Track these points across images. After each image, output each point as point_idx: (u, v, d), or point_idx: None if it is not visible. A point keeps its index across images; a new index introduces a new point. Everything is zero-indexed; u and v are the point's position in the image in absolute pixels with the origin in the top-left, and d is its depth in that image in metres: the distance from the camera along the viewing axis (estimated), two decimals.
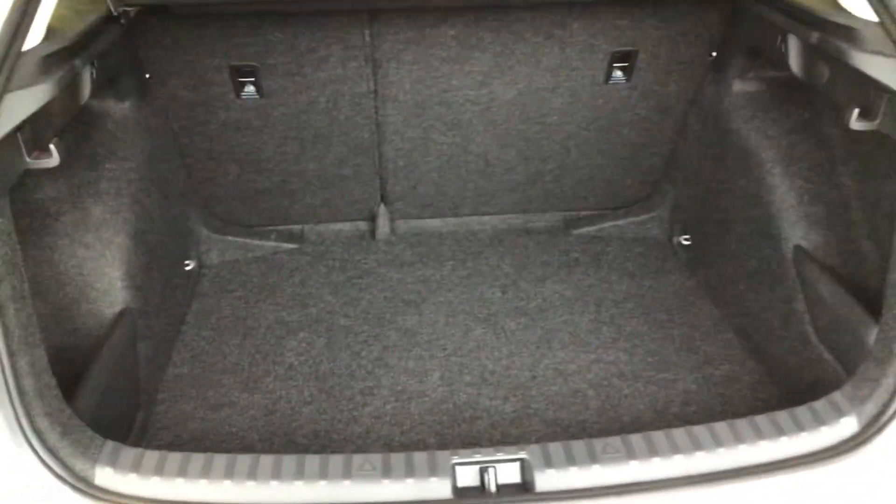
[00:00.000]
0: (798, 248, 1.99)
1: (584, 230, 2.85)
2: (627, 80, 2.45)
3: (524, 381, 2.14)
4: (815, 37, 1.76)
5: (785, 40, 1.95)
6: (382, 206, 2.78)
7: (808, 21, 1.82)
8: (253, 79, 2.35)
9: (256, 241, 2.71)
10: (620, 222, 2.84)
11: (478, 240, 2.82)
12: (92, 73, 1.83)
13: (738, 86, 2.32)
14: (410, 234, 2.83)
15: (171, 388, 2.12)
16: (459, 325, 2.36)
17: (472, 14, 2.25)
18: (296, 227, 2.82)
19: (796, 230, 2.00)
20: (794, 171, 2.07)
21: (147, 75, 2.27)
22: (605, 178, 2.77)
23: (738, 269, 2.28)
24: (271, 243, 2.73)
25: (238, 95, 2.37)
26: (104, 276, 1.92)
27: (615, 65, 2.42)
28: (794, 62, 1.93)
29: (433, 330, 2.34)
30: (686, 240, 2.68)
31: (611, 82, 2.46)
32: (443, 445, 1.94)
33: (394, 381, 2.14)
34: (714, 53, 2.40)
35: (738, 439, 1.42)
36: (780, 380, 2.07)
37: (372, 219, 2.81)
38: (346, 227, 2.83)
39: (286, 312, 2.42)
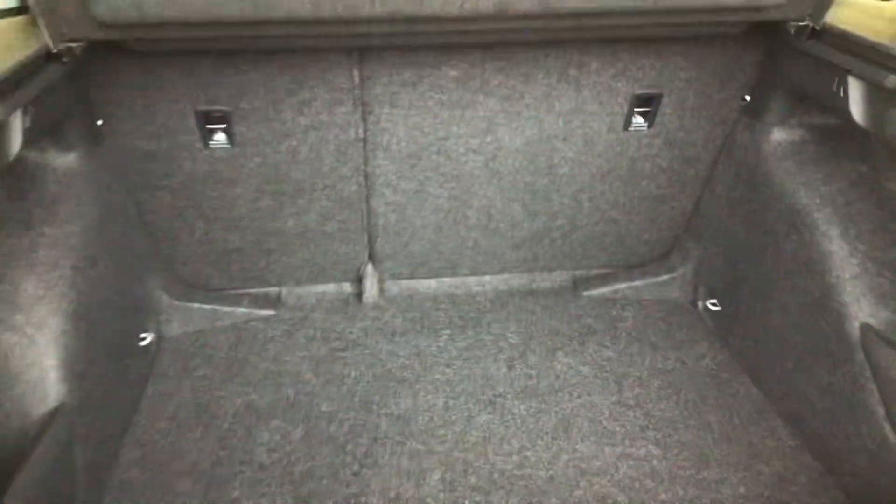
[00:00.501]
0: (866, 326, 1.69)
1: (597, 292, 2.54)
2: (649, 126, 2.17)
3: (541, 483, 1.81)
4: (892, 80, 1.48)
5: (844, 83, 1.67)
6: (370, 265, 2.46)
7: (880, 61, 1.54)
8: (223, 125, 2.03)
9: (226, 308, 2.37)
10: (637, 283, 2.54)
11: (477, 303, 2.50)
12: (25, 121, 1.51)
13: (779, 134, 2.04)
14: (401, 297, 2.51)
15: (118, 498, 1.76)
16: (461, 410, 2.03)
17: (478, 53, 1.96)
18: (272, 290, 2.48)
19: (862, 305, 1.71)
20: (853, 235, 1.78)
21: (98, 122, 1.95)
22: (620, 233, 2.48)
23: (785, 346, 1.97)
24: (243, 309, 2.39)
25: (206, 145, 2.05)
26: (34, 366, 1.57)
27: (636, 109, 2.14)
28: (858, 108, 1.65)
29: (430, 416, 2.01)
30: (714, 304, 2.38)
31: (631, 129, 2.17)
32: None
33: (385, 485, 1.80)
34: (748, 97, 2.12)
35: None
36: (847, 483, 1.76)
37: (359, 280, 2.49)
38: (329, 288, 2.50)
39: (257, 395, 2.08)
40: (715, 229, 2.36)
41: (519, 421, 1.99)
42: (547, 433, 1.96)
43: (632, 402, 2.07)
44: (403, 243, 2.39)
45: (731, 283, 2.29)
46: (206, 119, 2.00)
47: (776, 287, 2.01)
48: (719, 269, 2.35)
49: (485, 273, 2.55)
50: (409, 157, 2.16)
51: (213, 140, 2.05)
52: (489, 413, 2.02)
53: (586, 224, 2.43)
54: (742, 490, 1.78)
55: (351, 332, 2.34)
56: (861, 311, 1.70)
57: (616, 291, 2.54)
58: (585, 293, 2.54)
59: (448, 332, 2.35)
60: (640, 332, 2.37)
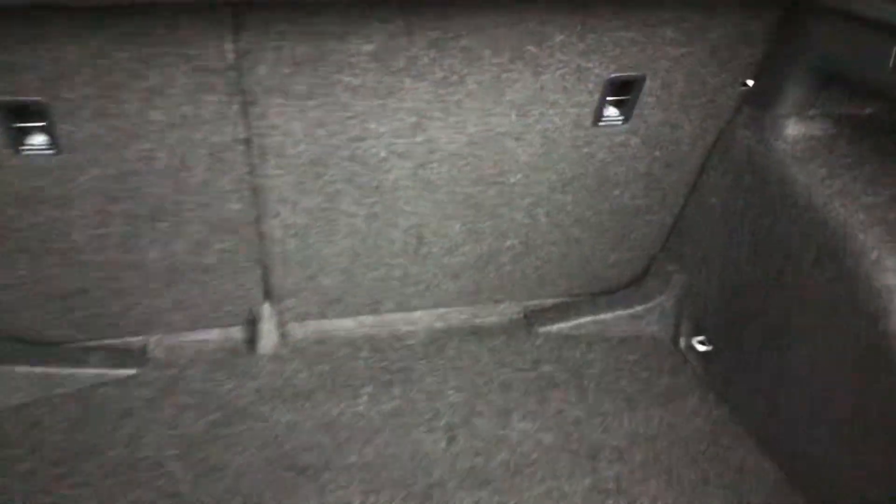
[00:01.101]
0: None
1: (555, 327, 2.04)
2: (625, 119, 1.67)
3: None
4: None
5: None
6: (267, 305, 1.88)
7: None
8: (42, 123, 1.42)
9: (67, 369, 1.76)
10: (604, 316, 2.04)
11: (407, 348, 1.96)
12: None
13: (797, 128, 1.58)
14: (309, 344, 1.94)
15: None
16: None
17: (400, 20, 1.41)
18: (134, 342, 1.88)
19: None
20: None
21: None
22: (584, 255, 1.98)
23: (813, 407, 1.50)
24: (92, 370, 1.78)
25: (17, 150, 1.44)
26: None
27: (609, 98, 1.63)
28: None
29: None
30: (702, 343, 1.91)
31: (601, 124, 1.67)
32: None
33: None
34: (750, 81, 1.65)
35: None
36: None
37: (251, 323, 1.91)
38: (212, 336, 1.92)
39: (98, 503, 1.48)
40: (704, 250, 1.88)
41: None
42: None
43: (612, 486, 1.56)
44: (309, 276, 1.83)
45: (726, 318, 1.81)
46: (12, 114, 1.39)
47: (799, 328, 1.54)
48: (710, 299, 1.87)
49: (415, 308, 2.01)
50: (312, 164, 1.60)
51: (25, 144, 1.44)
52: None
53: (543, 244, 1.91)
54: None
55: (239, 397, 1.76)
56: None
57: (579, 327, 2.04)
58: (542, 329, 2.03)
59: (369, 390, 1.80)
60: (612, 382, 1.87)
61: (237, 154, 1.54)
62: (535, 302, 2.09)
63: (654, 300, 2.01)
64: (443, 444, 1.65)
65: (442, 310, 2.04)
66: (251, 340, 1.91)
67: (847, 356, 1.39)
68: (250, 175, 1.58)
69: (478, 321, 2.05)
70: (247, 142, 1.53)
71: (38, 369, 1.72)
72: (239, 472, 1.56)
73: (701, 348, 1.91)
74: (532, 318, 2.06)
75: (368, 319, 1.99)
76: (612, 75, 1.57)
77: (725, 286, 1.80)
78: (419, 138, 1.60)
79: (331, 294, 1.89)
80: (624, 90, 1.62)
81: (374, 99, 1.51)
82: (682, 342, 1.99)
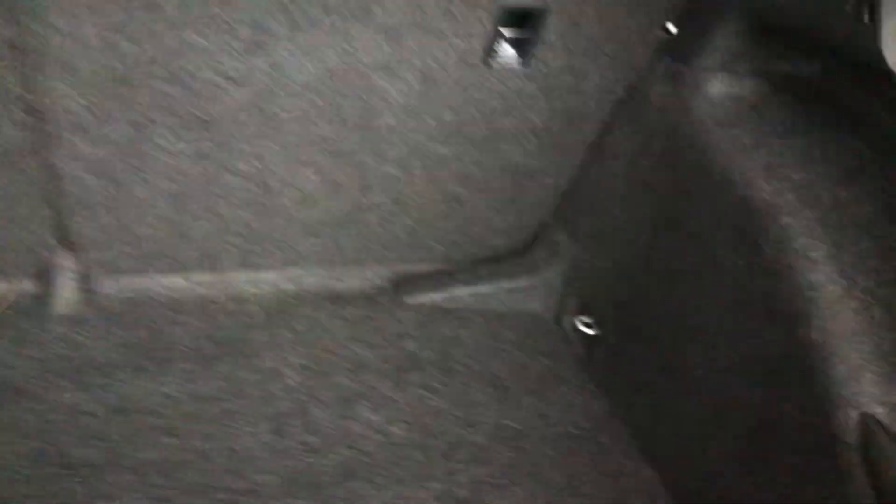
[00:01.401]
0: (867, 418, 1.00)
1: (427, 298, 1.75)
2: (523, 61, 1.37)
3: None
4: None
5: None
6: (64, 255, 1.50)
7: None
8: None
9: None
10: (483, 288, 1.78)
11: (246, 315, 1.63)
12: None
13: (723, 86, 1.33)
14: (121, 305, 1.58)
15: None
16: None
17: None
18: None
19: (863, 384, 1.02)
20: (850, 260, 1.09)
21: None
22: (465, 217, 1.69)
23: (708, 415, 1.28)
24: None
25: None
26: None
27: (505, 31, 1.32)
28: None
29: None
30: (587, 325, 1.67)
31: (494, 63, 1.36)
32: None
33: None
34: (671, 27, 1.38)
35: None
36: None
37: (44, 277, 1.52)
38: None
39: None
40: (600, 221, 1.63)
41: None
42: None
43: (465, 493, 1.31)
44: (120, 223, 1.46)
45: (618, 300, 1.58)
46: None
47: (701, 324, 1.31)
48: (602, 277, 1.63)
49: (258, 267, 1.67)
50: (115, 82, 1.22)
51: None
52: None
53: (417, 203, 1.61)
54: None
55: (16, 369, 1.39)
56: (862, 392, 1.01)
57: (453, 299, 1.76)
58: (410, 300, 1.74)
59: (186, 366, 1.46)
60: (483, 365, 1.61)
61: (4, 64, 1.15)
62: (406, 267, 1.79)
63: (540, 273, 1.76)
64: (267, 439, 1.34)
65: (294, 271, 1.71)
66: (44, 298, 1.52)
67: (755, 365, 1.17)
68: (25, 90, 1.19)
69: (337, 286, 1.74)
70: (17, 48, 1.14)
71: None
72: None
73: (586, 330, 1.67)
74: (400, 287, 1.77)
75: (203, 278, 1.64)
76: (510, 2, 1.26)
77: (621, 264, 1.56)
78: (259, 61, 1.24)
79: (150, 246, 1.52)
80: (522, 23, 1.31)
81: (198, 9, 1.14)
82: (566, 322, 1.75)
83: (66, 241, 1.48)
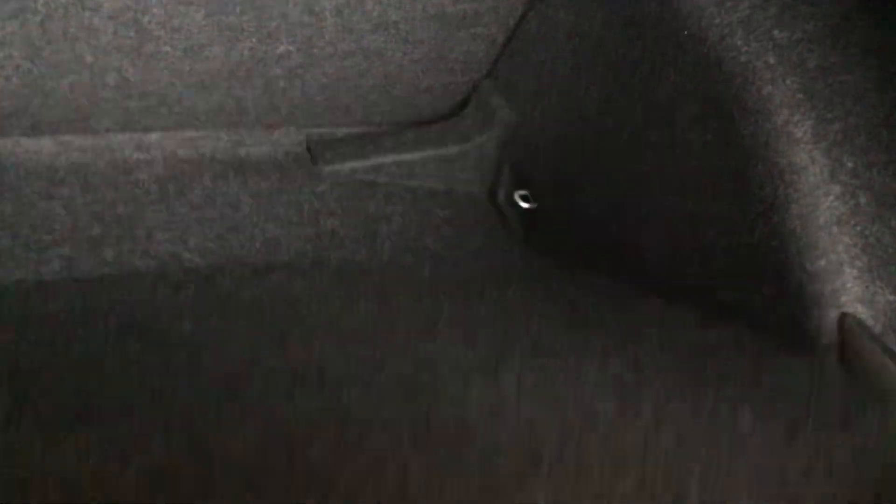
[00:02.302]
0: (847, 318, 0.90)
1: (347, 166, 1.56)
2: None
3: None
4: None
5: None
6: None
7: None
8: None
9: None
10: (410, 156, 1.59)
11: (135, 186, 1.40)
12: None
13: None
14: None
15: None
16: None
17: None
18: None
19: (845, 280, 0.91)
20: (835, 138, 0.95)
21: None
22: (388, 74, 1.48)
23: (682, 307, 1.17)
24: None
25: None
26: None
27: None
28: None
29: None
30: (524, 198, 1.52)
31: None
32: None
33: None
34: None
35: None
36: None
37: None
38: None
39: None
40: (542, 81, 1.44)
41: None
42: None
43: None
44: None
45: (560, 173, 1.43)
46: None
47: (654, 209, 1.17)
48: (542, 146, 1.47)
49: (148, 129, 1.43)
50: None
51: None
52: None
53: (331, 55, 1.38)
54: None
55: None
56: (841, 291, 0.90)
57: (377, 168, 1.57)
58: (328, 168, 1.55)
59: (65, 251, 1.25)
60: (414, 240, 1.46)
61: None
62: (322, 131, 1.58)
63: (472, 140, 1.58)
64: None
65: (190, 133, 1.47)
66: None
67: (719, 254, 1.05)
68: None
69: (241, 152, 1.52)
70: None
71: None
72: None
73: (523, 205, 1.53)
74: (317, 153, 1.56)
75: (76, 141, 1.39)
76: None
77: (566, 135, 1.39)
78: None
79: (6, 103, 1.25)
80: None
81: None
82: (501, 195, 1.60)
83: None
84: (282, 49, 1.32)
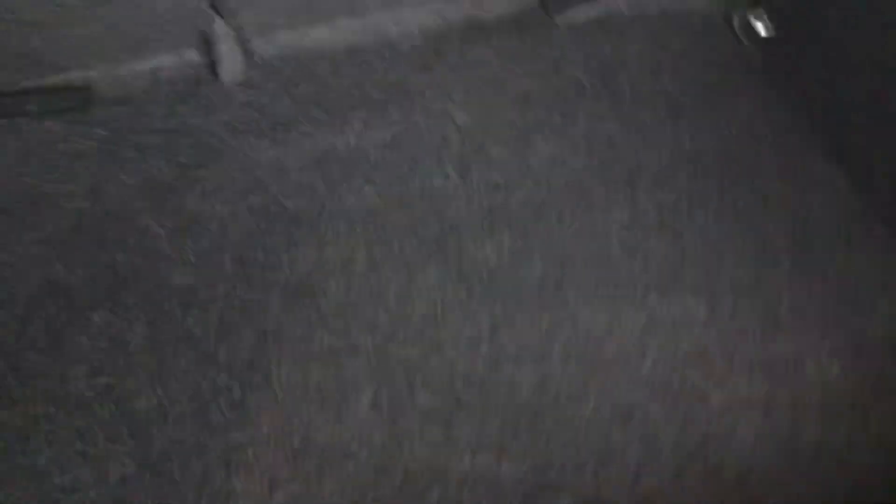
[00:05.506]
0: None
1: (581, 14, 1.66)
2: None
3: (530, 399, 1.16)
4: None
5: None
6: (219, 21, 1.50)
7: None
8: None
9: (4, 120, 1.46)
10: None
11: (400, 57, 1.61)
12: None
13: None
14: (281, 62, 1.60)
15: None
16: (393, 265, 1.30)
17: None
18: (76, 77, 1.54)
19: None
20: None
21: None
22: None
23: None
24: (28, 121, 1.48)
25: None
26: None
27: None
28: None
29: (346, 284, 1.28)
30: (765, 27, 1.54)
31: None
32: None
33: (285, 427, 1.14)
34: None
35: None
36: None
37: (208, 46, 1.55)
38: (166, 63, 1.57)
39: (65, 265, 1.30)
40: None
41: (485, 276, 1.28)
42: (531, 296, 1.26)
43: (652, 218, 1.34)
44: None
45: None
46: None
47: None
48: None
49: (402, 5, 1.62)
50: None
51: None
52: (438, 265, 1.29)
53: None
54: (843, 369, 1.17)
55: (209, 134, 1.48)
56: None
57: (609, 11, 1.65)
58: (562, 18, 1.66)
59: (361, 114, 1.51)
60: (652, 82, 1.55)
61: None
62: None
63: None
64: (456, 179, 1.40)
65: (436, 4, 1.64)
66: (212, 65, 1.57)
67: None
68: None
69: (482, 15, 1.67)
70: None
71: None
72: (223, 224, 1.35)
73: (762, 34, 1.55)
74: (550, 5, 1.67)
75: (348, 24, 1.62)
76: None
77: None
78: None
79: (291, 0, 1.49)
80: None
81: None
82: (736, 22, 1.62)
83: (217, 8, 1.47)
84: None
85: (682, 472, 1.09)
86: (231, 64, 1.55)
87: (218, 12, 1.48)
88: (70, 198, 1.37)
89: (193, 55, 1.57)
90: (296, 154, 1.44)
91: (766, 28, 1.53)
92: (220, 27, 1.51)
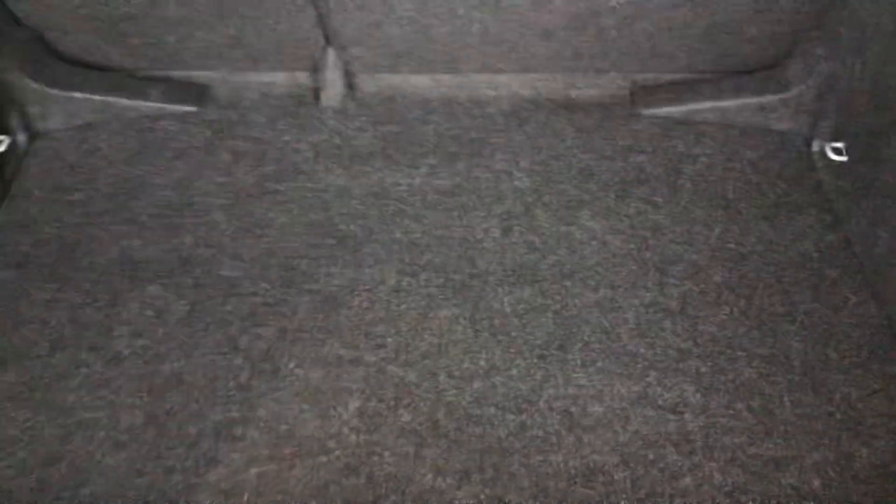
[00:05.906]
0: None
1: (664, 111, 1.72)
2: None
3: (502, 438, 1.20)
4: None
5: None
6: (330, 51, 1.69)
7: None
8: None
9: (127, 101, 1.70)
10: (728, 103, 1.70)
11: (485, 117, 1.74)
12: None
13: None
14: (379, 99, 1.76)
15: None
16: (416, 296, 1.39)
17: None
18: (198, 76, 1.77)
19: None
20: None
21: None
22: (713, 24, 1.60)
23: None
24: (153, 104, 1.71)
25: None
26: None
27: None
28: None
29: (370, 301, 1.38)
30: (837, 151, 1.55)
31: None
32: None
33: (278, 411, 1.24)
34: None
35: None
36: None
37: (315, 70, 1.74)
38: (278, 80, 1.77)
39: (142, 241, 1.48)
40: (867, 31, 1.45)
41: (496, 322, 1.35)
42: (534, 348, 1.31)
43: (674, 305, 1.37)
44: (372, 22, 1.60)
45: (875, 125, 1.44)
46: None
47: None
48: (861, 98, 1.48)
49: (498, 71, 1.75)
50: None
51: None
52: (456, 305, 1.37)
53: (660, 5, 1.55)
54: (817, 482, 1.14)
55: (296, 152, 1.65)
56: None
57: (693, 113, 1.71)
58: (647, 111, 1.73)
59: (431, 161, 1.63)
60: (715, 184, 1.59)
61: None
62: (646, 76, 1.76)
63: (793, 90, 1.63)
64: (496, 234, 1.49)
65: (532, 75, 1.76)
66: (317, 89, 1.75)
67: None
68: None
69: (573, 93, 1.77)
70: None
71: (98, 97, 1.67)
72: (281, 232, 1.50)
73: (834, 158, 1.56)
74: (638, 96, 1.75)
75: (446, 79, 1.77)
76: None
77: (884, 86, 1.40)
78: None
79: (399, 45, 1.66)
80: None
81: None
82: (816, 145, 1.64)
83: (331, 40, 1.66)
84: (614, 1, 1.53)
85: None
86: (332, 91, 1.73)
87: (329, 43, 1.67)
88: (162, 188, 1.57)
89: (303, 77, 1.76)
90: (362, 184, 1.58)
91: (839, 154, 1.54)
92: (331, 57, 1.69)
